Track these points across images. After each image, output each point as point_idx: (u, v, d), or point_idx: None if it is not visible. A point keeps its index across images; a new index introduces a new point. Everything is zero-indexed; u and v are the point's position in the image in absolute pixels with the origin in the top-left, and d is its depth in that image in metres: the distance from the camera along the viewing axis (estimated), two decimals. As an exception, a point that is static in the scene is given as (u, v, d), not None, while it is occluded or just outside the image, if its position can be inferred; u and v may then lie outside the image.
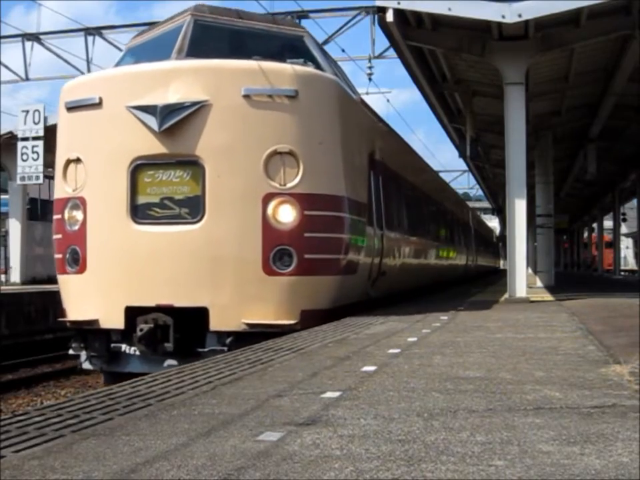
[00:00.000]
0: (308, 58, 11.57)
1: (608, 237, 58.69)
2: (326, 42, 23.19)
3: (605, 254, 53.03)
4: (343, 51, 23.26)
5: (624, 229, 56.20)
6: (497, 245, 59.42)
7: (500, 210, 46.36)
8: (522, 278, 15.89)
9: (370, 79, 25.24)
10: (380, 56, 24.74)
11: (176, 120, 10.28)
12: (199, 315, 10.21)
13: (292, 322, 10.19)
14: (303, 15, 22.74)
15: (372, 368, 6.20)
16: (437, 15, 15.73)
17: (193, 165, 10.44)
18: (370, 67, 24.65)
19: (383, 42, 49.57)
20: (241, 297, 10.27)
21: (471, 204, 48.90)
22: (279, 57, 11.22)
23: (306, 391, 5.18)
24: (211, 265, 10.31)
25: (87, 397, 5.17)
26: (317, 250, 10.64)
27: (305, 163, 10.51)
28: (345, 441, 3.78)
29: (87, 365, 11.09)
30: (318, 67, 11.57)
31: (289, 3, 59.00)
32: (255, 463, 3.38)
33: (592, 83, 21.94)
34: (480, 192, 58.78)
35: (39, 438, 3.97)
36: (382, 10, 15.18)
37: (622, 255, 54.15)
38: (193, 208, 10.42)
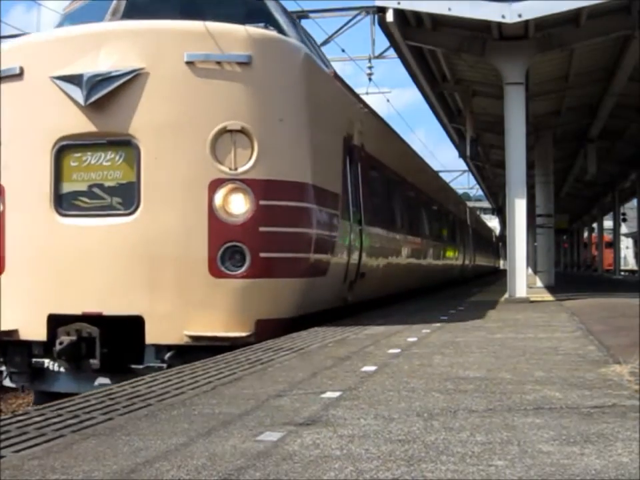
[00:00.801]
0: (270, 22, 10.02)
1: (608, 237, 58.69)
2: (326, 42, 23.18)
3: (605, 254, 53.03)
4: (343, 51, 23.25)
5: (624, 229, 56.21)
6: (497, 245, 59.31)
7: (500, 210, 46.38)
8: (522, 278, 15.89)
9: (370, 79, 25.24)
10: (380, 56, 24.71)
11: (105, 92, 8.79)
12: (134, 325, 8.71)
13: (244, 334, 8.70)
14: (303, 15, 22.69)
15: (372, 368, 6.20)
16: (437, 15, 15.74)
17: (126, 146, 8.92)
18: (370, 67, 24.65)
19: (383, 42, 49.69)
20: (183, 304, 8.77)
21: (471, 204, 48.85)
22: (235, 21, 9.52)
23: (306, 391, 5.18)
24: (147, 265, 8.81)
25: (87, 397, 5.17)
26: (276, 247, 9.10)
27: (261, 143, 8.95)
28: (345, 441, 3.78)
29: (7, 382, 9.54)
30: (281, 32, 9.97)
31: (289, 3, 59.01)
32: (255, 462, 3.38)
33: (592, 82, 21.95)
34: (480, 192, 58.80)
35: (39, 438, 3.96)
36: (382, 10, 15.20)
37: (622, 255, 54.13)
38: (126, 197, 8.91)
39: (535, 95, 20.63)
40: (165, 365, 8.38)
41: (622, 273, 47.63)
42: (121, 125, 8.93)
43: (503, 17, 14.68)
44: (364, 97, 16.68)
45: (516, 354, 7.09)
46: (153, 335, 8.74)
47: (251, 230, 8.90)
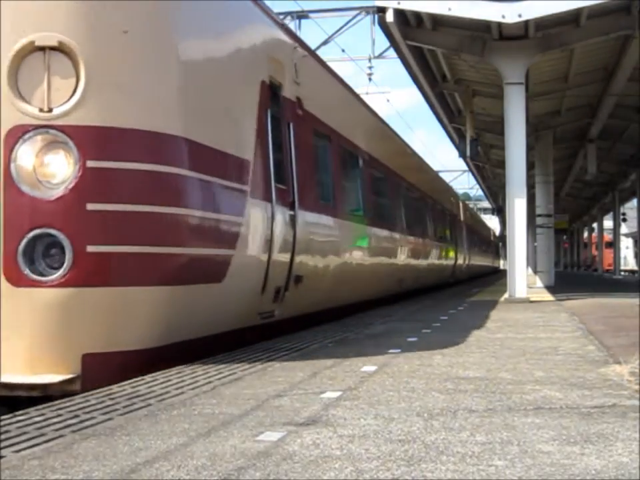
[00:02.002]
0: None
1: (608, 237, 58.72)
2: (326, 42, 23.25)
3: (605, 254, 53.06)
4: (343, 51, 23.35)
5: (624, 228, 56.24)
6: (497, 244, 59.20)
7: (500, 210, 46.40)
8: (522, 278, 15.90)
9: (370, 79, 25.31)
10: (380, 56, 24.78)
11: None
12: None
13: (62, 377, 5.75)
14: (303, 15, 22.74)
15: (372, 368, 6.20)
16: (437, 15, 15.76)
17: None
18: (370, 67, 24.72)
19: (383, 42, 49.67)
20: None
21: (470, 204, 48.83)
22: None
23: (306, 391, 5.18)
24: None
25: (86, 397, 5.16)
26: (118, 237, 6.02)
27: (92, 69, 5.92)
28: (345, 440, 3.78)
29: None
30: None
31: (289, 3, 59.01)
32: (254, 462, 3.38)
33: (592, 82, 21.98)
34: (480, 192, 58.88)
35: (39, 438, 3.96)
36: (382, 10, 15.23)
37: (622, 255, 54.14)
38: None
39: (535, 95, 20.65)
40: None
41: (622, 273, 47.63)
42: None
43: (503, 17, 14.70)
44: (364, 97, 16.64)
45: (516, 354, 7.09)
46: None
47: (73, 208, 5.86)
